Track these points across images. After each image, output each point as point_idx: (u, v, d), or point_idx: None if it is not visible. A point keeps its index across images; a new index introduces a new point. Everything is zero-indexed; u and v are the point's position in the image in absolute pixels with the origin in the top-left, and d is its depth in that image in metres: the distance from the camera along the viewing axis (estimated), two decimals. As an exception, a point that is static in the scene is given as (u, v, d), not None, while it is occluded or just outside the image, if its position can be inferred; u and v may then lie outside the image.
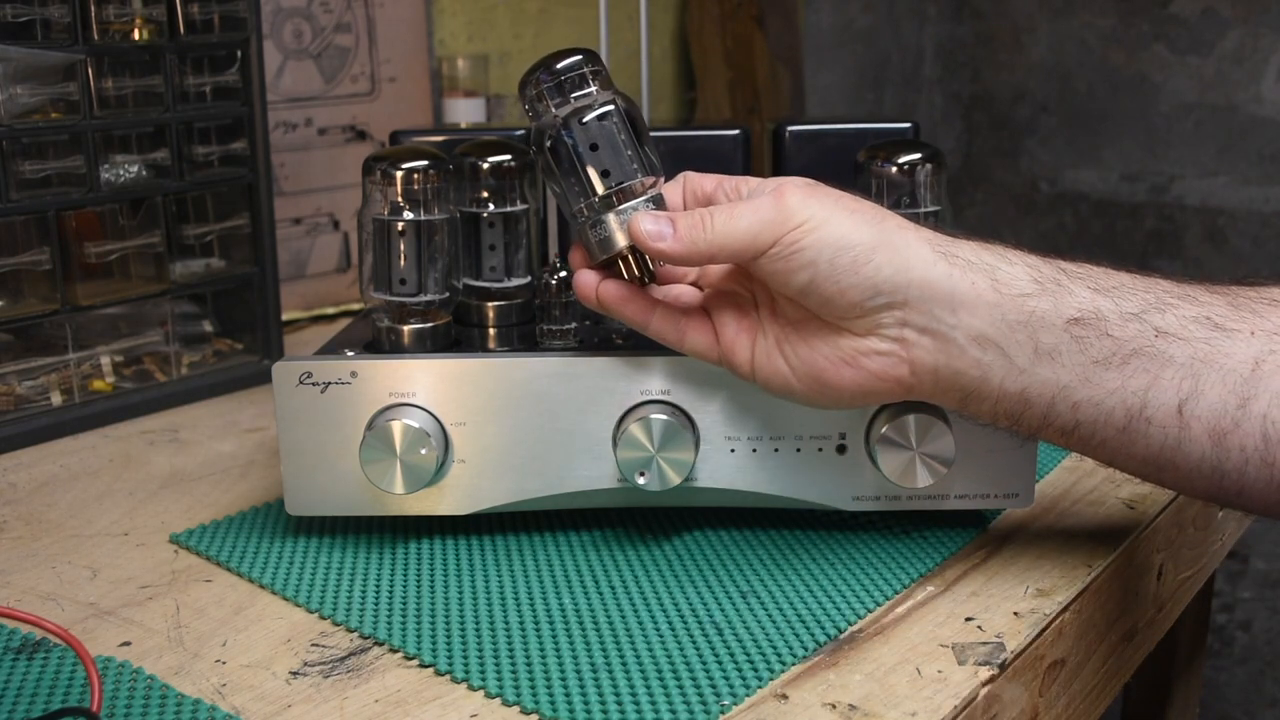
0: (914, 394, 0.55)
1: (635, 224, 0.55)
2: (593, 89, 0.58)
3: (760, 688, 0.50)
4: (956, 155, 1.92)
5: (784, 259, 0.53)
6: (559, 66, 0.58)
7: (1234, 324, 0.51)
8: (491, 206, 0.72)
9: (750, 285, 0.59)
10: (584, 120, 0.57)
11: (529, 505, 0.63)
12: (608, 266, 0.59)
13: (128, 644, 0.55)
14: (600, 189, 0.57)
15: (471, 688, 0.51)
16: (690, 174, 0.60)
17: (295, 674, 0.52)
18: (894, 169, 0.65)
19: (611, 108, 0.57)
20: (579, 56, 0.58)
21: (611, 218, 0.57)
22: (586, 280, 0.59)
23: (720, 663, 0.52)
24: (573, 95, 0.58)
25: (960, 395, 0.55)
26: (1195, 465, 0.52)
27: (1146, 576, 0.68)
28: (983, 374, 0.53)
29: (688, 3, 1.62)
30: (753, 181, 0.59)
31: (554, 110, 0.58)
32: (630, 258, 0.58)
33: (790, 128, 0.78)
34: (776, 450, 0.62)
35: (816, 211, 0.53)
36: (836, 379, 0.55)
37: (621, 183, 0.57)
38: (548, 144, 0.58)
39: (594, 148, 0.57)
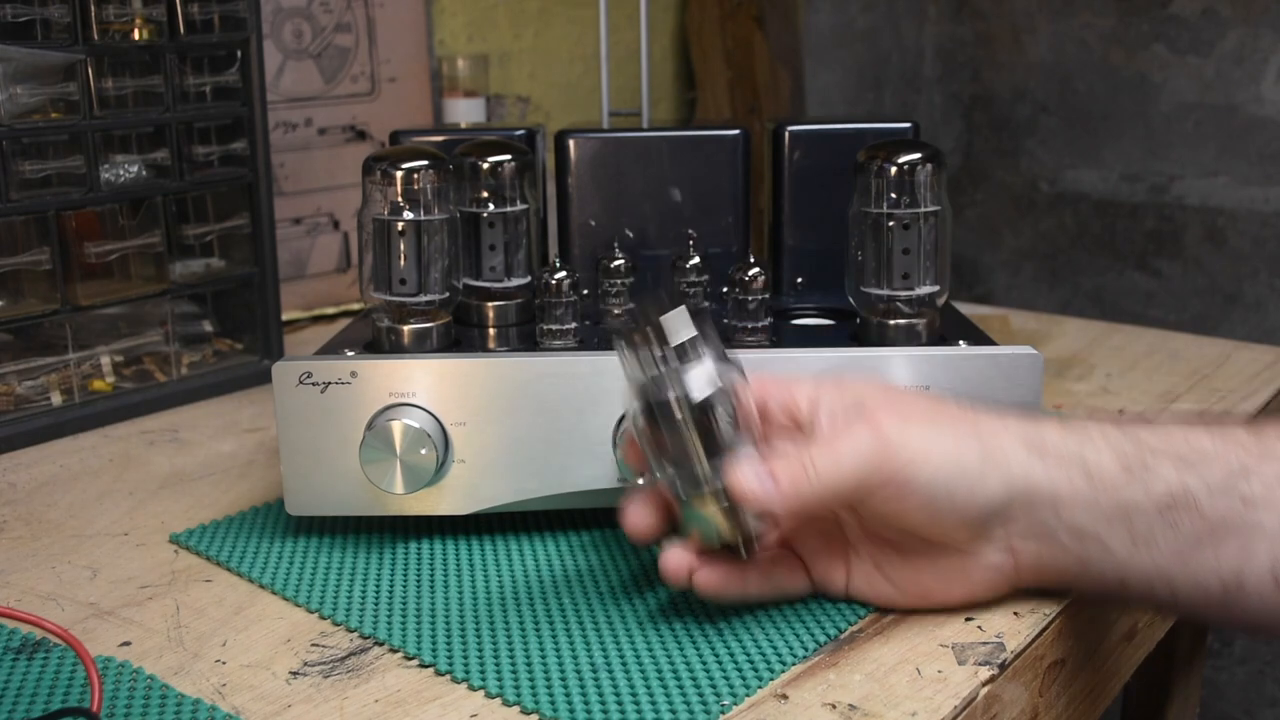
0: (1015, 588, 0.55)
1: (737, 479, 0.50)
2: (708, 360, 0.52)
3: (760, 688, 0.50)
4: (956, 155, 1.92)
5: (899, 500, 0.51)
6: (677, 334, 0.51)
7: None
8: (491, 206, 0.72)
9: (837, 508, 0.56)
10: (708, 402, 0.51)
11: (529, 505, 0.63)
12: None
13: (128, 644, 0.55)
14: (712, 481, 0.51)
15: (471, 688, 0.51)
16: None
17: (295, 674, 0.52)
18: (894, 169, 0.65)
19: (723, 388, 0.51)
20: (693, 325, 0.52)
21: (715, 509, 0.52)
22: (677, 564, 0.54)
23: (720, 663, 0.52)
24: (687, 362, 0.51)
25: (1059, 584, 0.55)
26: None
27: (1146, 576, 0.68)
28: (1083, 567, 0.53)
29: (688, 3, 1.62)
30: (804, 390, 0.54)
31: (668, 373, 0.51)
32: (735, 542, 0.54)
33: (790, 128, 0.78)
34: (776, 450, 0.62)
35: (918, 440, 0.51)
36: (945, 595, 0.55)
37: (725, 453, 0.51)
38: (658, 413, 0.51)
39: (710, 433, 0.51)
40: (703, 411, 0.51)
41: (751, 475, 0.50)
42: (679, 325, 0.51)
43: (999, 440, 0.52)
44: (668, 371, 0.51)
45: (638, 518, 0.54)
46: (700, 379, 0.51)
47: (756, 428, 0.53)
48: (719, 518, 0.52)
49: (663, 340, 0.51)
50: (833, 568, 0.56)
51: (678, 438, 0.51)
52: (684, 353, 0.51)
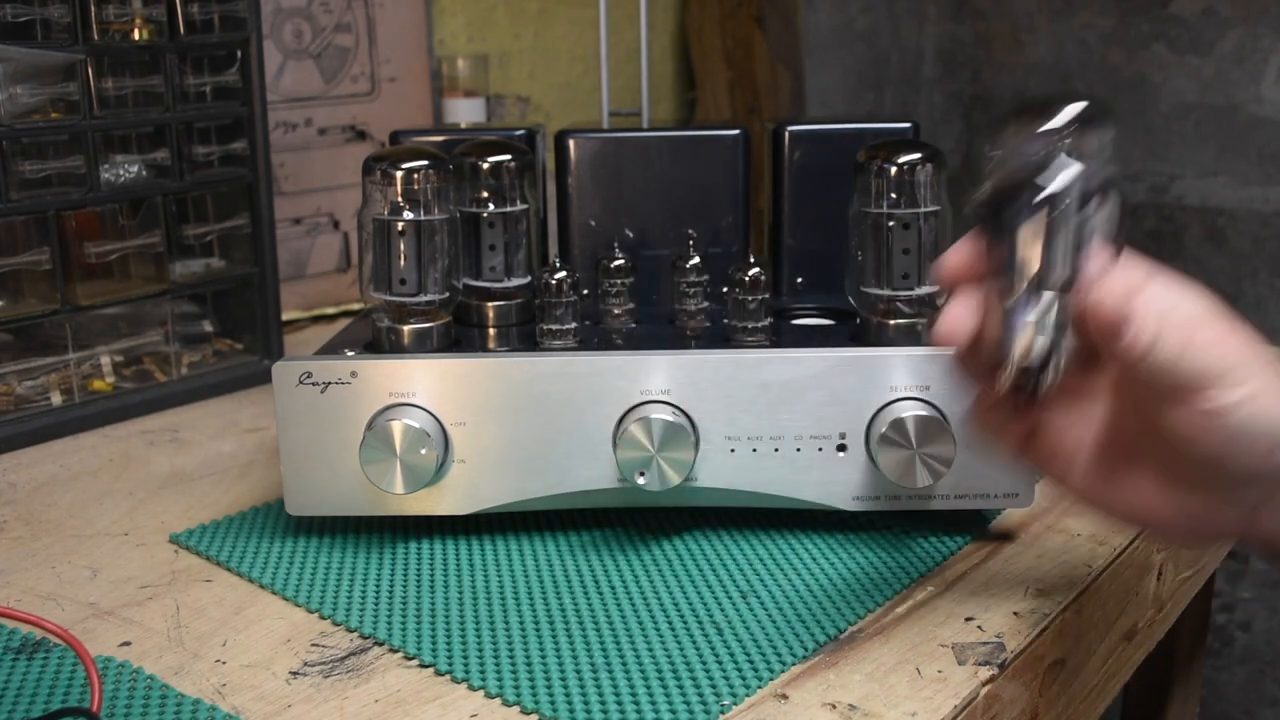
0: (1225, 541, 0.52)
1: (1094, 308, 0.46)
2: (1107, 170, 0.48)
3: (760, 688, 0.50)
4: (956, 155, 1.91)
5: (1201, 420, 0.46)
6: (1093, 110, 0.48)
7: None
8: (491, 206, 0.72)
9: (1102, 384, 0.51)
10: (1105, 190, 0.47)
11: (529, 505, 0.63)
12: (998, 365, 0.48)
13: (128, 644, 0.55)
14: (1059, 278, 0.47)
15: (471, 688, 0.51)
16: None
17: (295, 674, 0.52)
18: (894, 169, 0.65)
19: (1115, 194, 0.48)
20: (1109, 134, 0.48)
21: (1046, 321, 0.47)
22: (958, 318, 0.49)
23: (720, 663, 0.52)
24: (1090, 148, 0.48)
25: (1267, 552, 0.52)
26: None
27: (1146, 576, 0.68)
28: None
29: (688, 3, 1.62)
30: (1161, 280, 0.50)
31: (1067, 156, 0.47)
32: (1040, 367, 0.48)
33: (790, 128, 0.78)
34: (776, 450, 0.62)
35: (1258, 380, 0.46)
36: (1162, 526, 0.51)
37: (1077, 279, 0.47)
38: (1048, 202, 0.47)
39: (1084, 229, 0.47)
40: (1081, 217, 0.47)
41: (1116, 304, 0.46)
42: (1097, 125, 0.48)
43: None
44: (1068, 154, 0.47)
45: (958, 316, 0.49)
46: (1090, 181, 0.47)
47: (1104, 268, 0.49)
48: (1043, 334, 0.47)
49: (1069, 130, 0.47)
50: (1064, 449, 0.52)
51: (1055, 231, 0.47)
52: (1086, 150, 0.48)
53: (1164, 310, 0.47)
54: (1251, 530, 0.50)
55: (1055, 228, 0.47)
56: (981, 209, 0.48)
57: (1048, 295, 0.47)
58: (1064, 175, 0.47)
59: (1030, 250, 0.47)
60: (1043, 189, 0.47)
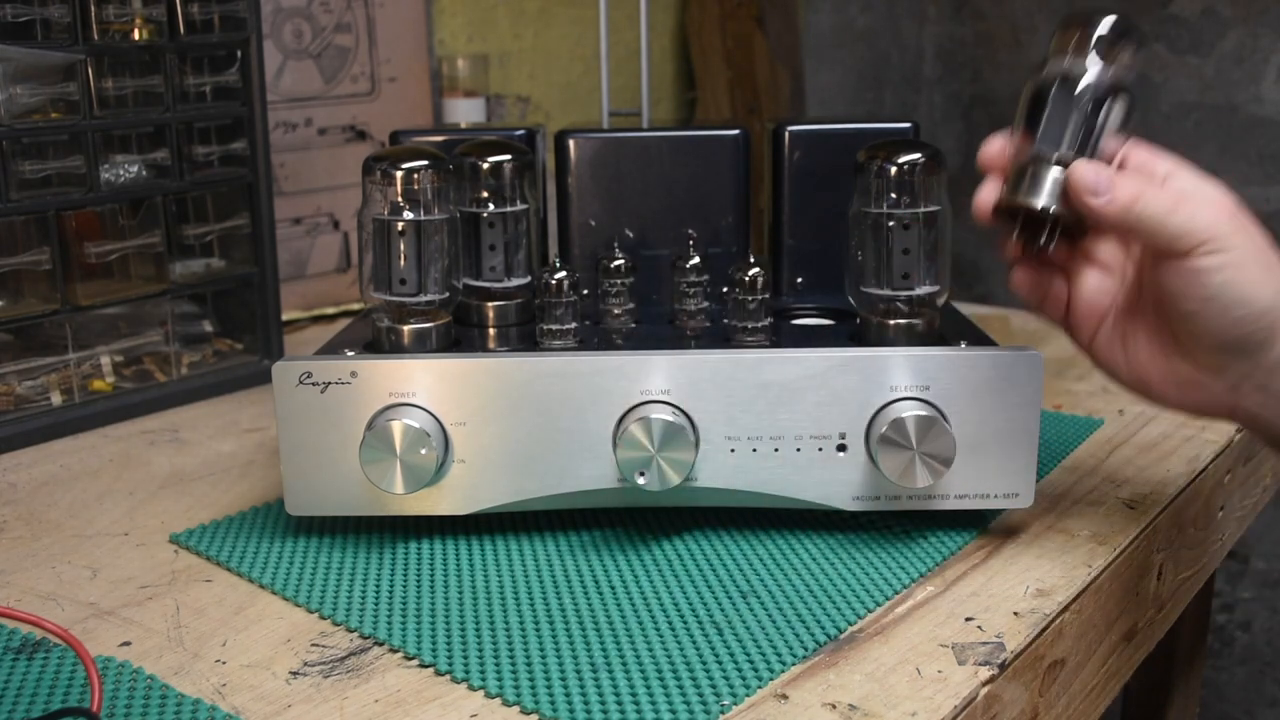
0: (1218, 419, 0.59)
1: (1077, 170, 0.55)
2: (1129, 64, 0.58)
3: (760, 688, 0.50)
4: (956, 155, 1.91)
5: (1188, 282, 0.53)
6: (1124, 26, 0.58)
7: None
8: (491, 206, 0.72)
9: (1123, 261, 0.59)
10: (1119, 90, 0.58)
11: (529, 505, 0.63)
12: (1012, 217, 0.59)
13: (128, 644, 0.55)
14: (1068, 148, 0.57)
15: (471, 688, 0.51)
16: None
17: (295, 674, 0.52)
18: (894, 169, 0.65)
19: (1124, 100, 0.58)
20: (1132, 44, 0.59)
21: (1057, 172, 0.57)
22: (986, 197, 0.59)
23: (720, 663, 0.52)
24: (1116, 56, 0.58)
25: (1264, 435, 0.57)
26: None
27: (1146, 576, 0.68)
28: None
29: (688, 3, 1.62)
30: (1167, 157, 0.58)
31: (1092, 57, 0.58)
32: (1045, 222, 0.59)
33: (790, 128, 0.78)
34: (776, 450, 0.62)
35: (1241, 249, 0.53)
36: (1161, 393, 0.59)
37: (1086, 152, 0.57)
38: (1079, 88, 0.58)
39: (1098, 115, 0.57)
40: (1096, 104, 0.57)
41: (1093, 171, 0.55)
42: (1117, 34, 0.58)
43: None
44: (1090, 59, 0.58)
45: (989, 193, 0.59)
46: (1108, 79, 0.58)
47: (1113, 152, 0.58)
48: (1050, 199, 0.57)
49: (1100, 38, 0.58)
50: (1089, 319, 0.60)
51: (1072, 115, 0.57)
52: (1111, 56, 0.58)
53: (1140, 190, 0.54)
54: (1235, 407, 0.56)
55: (1072, 112, 0.58)
56: (1026, 96, 0.59)
57: (1058, 168, 0.57)
58: (1089, 73, 0.58)
59: (1051, 129, 0.58)
60: (1069, 81, 0.58)
